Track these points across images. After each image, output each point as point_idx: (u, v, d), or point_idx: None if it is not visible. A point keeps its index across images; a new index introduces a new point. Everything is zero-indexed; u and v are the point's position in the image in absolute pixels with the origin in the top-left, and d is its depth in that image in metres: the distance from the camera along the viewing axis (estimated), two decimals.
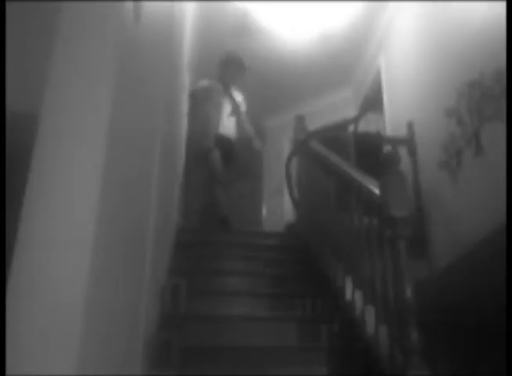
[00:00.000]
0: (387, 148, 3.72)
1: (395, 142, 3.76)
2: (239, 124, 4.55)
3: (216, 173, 4.30)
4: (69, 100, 1.06)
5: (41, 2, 1.39)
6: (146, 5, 1.52)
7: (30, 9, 1.44)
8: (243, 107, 4.60)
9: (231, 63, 4.53)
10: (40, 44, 1.27)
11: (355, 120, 4.30)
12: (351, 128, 4.23)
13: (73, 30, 1.11)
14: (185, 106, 4.18)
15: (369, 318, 2.22)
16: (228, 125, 4.46)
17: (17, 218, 0.96)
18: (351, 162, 3.50)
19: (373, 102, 4.83)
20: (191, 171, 4.52)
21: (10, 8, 1.23)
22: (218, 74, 4.57)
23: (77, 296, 0.92)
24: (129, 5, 1.26)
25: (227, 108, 4.48)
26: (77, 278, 0.93)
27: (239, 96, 4.62)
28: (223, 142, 4.37)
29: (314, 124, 4.11)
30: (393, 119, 4.27)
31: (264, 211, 6.02)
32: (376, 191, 2.21)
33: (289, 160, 4.01)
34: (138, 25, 1.40)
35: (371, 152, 3.59)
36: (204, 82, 4.57)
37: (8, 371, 0.84)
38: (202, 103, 4.46)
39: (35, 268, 0.93)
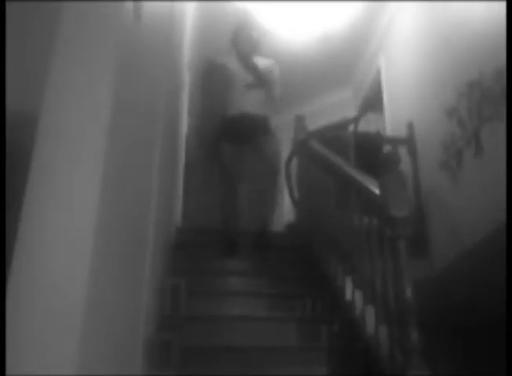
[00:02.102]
0: (387, 148, 3.72)
1: (395, 142, 3.76)
2: (268, 96, 3.63)
3: (228, 174, 3.45)
4: (69, 100, 1.06)
5: (41, 2, 1.39)
6: (146, 5, 1.52)
7: (30, 9, 1.44)
8: (273, 75, 3.67)
9: (240, 30, 3.77)
10: (40, 44, 1.27)
11: (355, 120, 4.29)
12: (351, 128, 4.22)
13: (74, 30, 1.11)
14: (185, 104, 4.18)
15: (369, 318, 2.22)
16: (248, 100, 3.53)
17: (17, 218, 0.96)
18: (351, 162, 3.50)
19: (373, 102, 4.83)
20: (198, 171, 3.98)
21: (10, 8, 1.23)
22: (232, 48, 3.79)
23: (77, 296, 0.92)
24: (129, 5, 1.26)
25: (244, 81, 3.56)
26: (77, 278, 0.93)
27: (265, 63, 3.70)
28: (236, 123, 3.47)
29: (314, 124, 4.10)
30: (393, 119, 4.27)
31: None
32: (376, 191, 2.20)
33: (289, 160, 4.01)
34: (139, 25, 1.40)
35: (371, 152, 3.58)
36: (209, 63, 3.77)
37: (8, 371, 0.84)
38: (210, 86, 3.69)
39: (35, 268, 0.93)
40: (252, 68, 3.60)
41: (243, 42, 3.71)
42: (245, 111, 3.48)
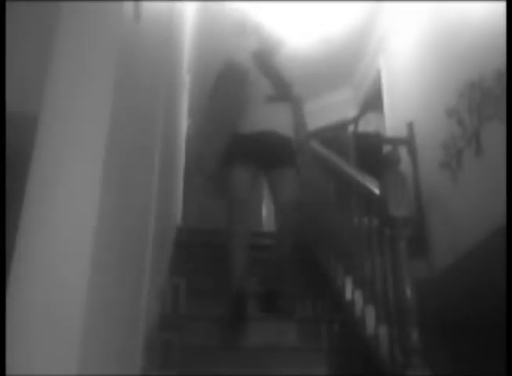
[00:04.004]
0: (387, 148, 3.72)
1: (395, 142, 3.76)
2: (295, 114, 2.81)
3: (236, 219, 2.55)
4: (69, 101, 1.06)
5: (41, 2, 1.39)
6: (146, 5, 1.52)
7: (30, 9, 1.44)
8: (295, 90, 2.87)
9: (255, 30, 3.03)
10: (40, 44, 1.27)
11: (355, 120, 4.30)
12: (351, 128, 4.23)
13: (74, 30, 1.11)
14: (185, 105, 4.18)
15: (369, 318, 2.22)
16: (269, 116, 2.69)
17: (17, 218, 0.96)
18: (351, 162, 3.50)
19: (373, 102, 4.84)
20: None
21: (10, 8, 1.23)
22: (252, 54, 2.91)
23: (77, 296, 0.92)
24: (129, 5, 1.26)
25: (264, 91, 2.73)
26: (77, 278, 0.93)
27: (287, 74, 2.88)
28: (253, 143, 2.62)
29: (314, 124, 4.10)
30: (393, 119, 4.27)
31: (264, 211, 6.02)
32: (376, 191, 2.21)
33: None
34: (138, 25, 1.40)
35: (371, 152, 3.58)
36: (227, 64, 2.86)
37: (8, 371, 0.84)
38: (223, 93, 2.78)
39: (35, 268, 0.93)
40: (274, 76, 2.78)
41: (259, 44, 2.93)
42: (266, 130, 2.64)
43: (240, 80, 2.74)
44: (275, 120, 2.70)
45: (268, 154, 2.63)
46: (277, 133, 2.67)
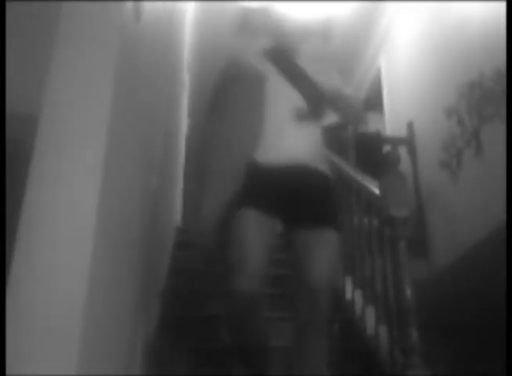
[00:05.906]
0: (387, 148, 3.72)
1: (395, 142, 3.76)
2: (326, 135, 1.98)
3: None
4: (69, 100, 1.06)
5: (41, 2, 1.39)
6: (146, 5, 1.52)
7: (30, 9, 1.44)
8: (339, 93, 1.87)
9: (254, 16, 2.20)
10: (40, 44, 1.27)
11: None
12: (351, 128, 4.22)
13: (74, 30, 1.11)
14: (185, 105, 4.18)
15: (369, 318, 2.22)
16: (291, 141, 1.73)
17: (17, 218, 0.96)
18: (351, 162, 3.50)
19: (373, 102, 4.84)
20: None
21: (10, 8, 1.23)
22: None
23: (77, 296, 0.92)
24: (129, 5, 1.26)
25: (287, 104, 1.75)
26: (77, 278, 0.93)
27: (323, 72, 1.92)
28: (273, 178, 1.67)
29: None
30: (393, 119, 4.27)
31: None
32: (376, 191, 2.20)
33: None
34: (139, 25, 1.40)
35: (371, 152, 3.58)
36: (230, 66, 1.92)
37: (8, 371, 0.84)
38: (225, 105, 1.81)
39: (35, 268, 0.93)
40: (302, 81, 1.84)
41: (274, 40, 2.06)
42: (292, 162, 1.70)
43: (255, 87, 1.79)
44: (305, 147, 1.76)
45: (295, 202, 1.68)
46: (306, 165, 1.72)
